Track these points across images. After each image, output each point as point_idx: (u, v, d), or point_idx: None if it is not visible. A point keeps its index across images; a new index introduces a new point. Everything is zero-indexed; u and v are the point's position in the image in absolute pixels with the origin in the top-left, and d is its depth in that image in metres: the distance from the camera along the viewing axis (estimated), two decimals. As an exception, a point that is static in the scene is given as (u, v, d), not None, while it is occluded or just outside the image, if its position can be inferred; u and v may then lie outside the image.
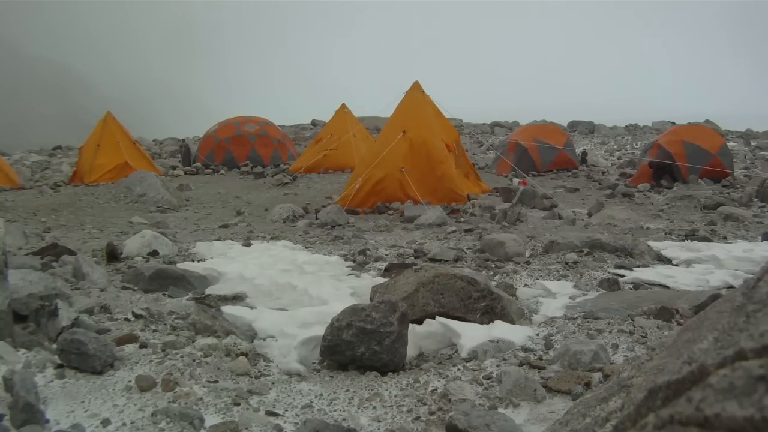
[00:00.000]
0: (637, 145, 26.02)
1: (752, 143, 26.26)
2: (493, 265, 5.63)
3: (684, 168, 15.07)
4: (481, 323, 3.56)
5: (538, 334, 3.47)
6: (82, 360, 2.66)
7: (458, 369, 2.99)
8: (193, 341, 3.23)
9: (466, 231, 7.74)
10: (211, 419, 2.33)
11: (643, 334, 3.37)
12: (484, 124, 36.46)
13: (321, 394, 2.70)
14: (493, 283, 4.55)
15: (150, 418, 2.26)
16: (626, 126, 35.39)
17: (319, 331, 3.21)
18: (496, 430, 2.10)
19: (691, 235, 7.40)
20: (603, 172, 18.28)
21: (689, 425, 0.88)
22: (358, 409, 2.57)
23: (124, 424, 2.23)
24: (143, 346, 3.11)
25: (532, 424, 2.36)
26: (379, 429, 2.38)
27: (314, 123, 36.74)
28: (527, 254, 6.11)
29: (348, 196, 10.35)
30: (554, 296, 4.51)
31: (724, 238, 7.44)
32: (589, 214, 9.79)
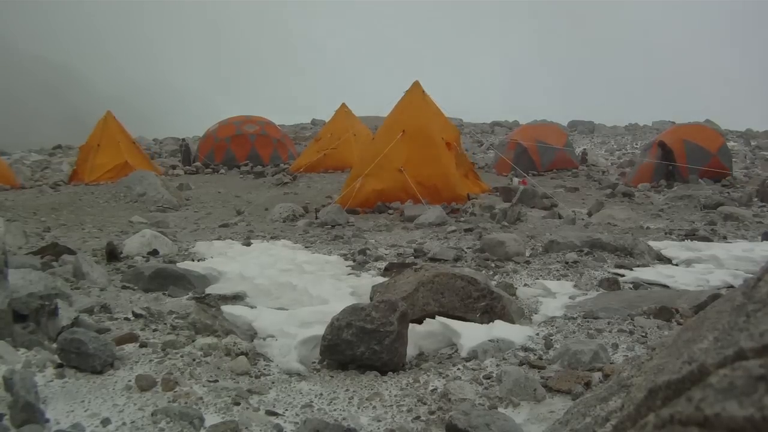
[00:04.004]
0: (637, 145, 26.05)
1: (752, 143, 26.28)
2: (493, 265, 5.63)
3: (684, 167, 15.10)
4: (481, 323, 3.56)
5: (538, 334, 3.47)
6: (82, 359, 2.66)
7: (458, 368, 2.99)
8: (193, 341, 3.23)
9: (466, 230, 7.74)
10: (211, 419, 2.33)
11: (643, 334, 3.37)
12: (484, 123, 36.48)
13: (321, 394, 2.70)
14: (493, 283, 4.55)
15: (150, 417, 2.26)
16: (626, 126, 35.42)
17: (319, 330, 3.21)
18: (496, 430, 2.10)
19: (691, 235, 7.41)
20: (603, 172, 18.29)
21: (689, 425, 0.88)
22: (358, 408, 2.57)
23: (124, 424, 2.23)
24: (143, 345, 3.11)
25: (532, 424, 2.36)
26: (379, 428, 2.38)
27: (314, 123, 36.78)
28: (527, 254, 6.11)
29: (348, 195, 10.35)
30: (554, 296, 4.51)
31: (724, 237, 7.44)
32: (589, 214, 9.79)
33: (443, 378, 2.87)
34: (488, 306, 3.69)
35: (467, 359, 3.11)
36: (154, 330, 3.52)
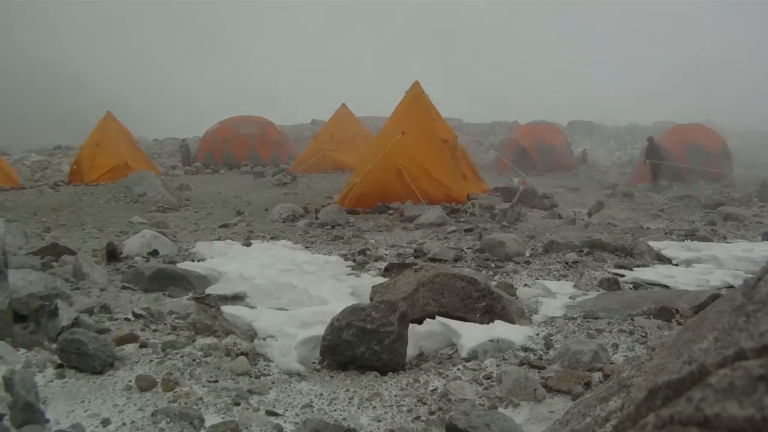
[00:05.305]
0: (637, 145, 26.08)
1: (752, 143, 26.30)
2: (493, 265, 5.63)
3: (684, 167, 15.11)
4: (481, 323, 3.56)
5: (538, 334, 3.47)
6: (82, 360, 2.66)
7: (458, 369, 2.99)
8: (193, 341, 3.23)
9: (466, 231, 7.74)
10: (211, 419, 2.33)
11: (643, 334, 3.37)
12: (484, 123, 36.49)
13: (321, 394, 2.70)
14: (493, 283, 4.55)
15: (150, 417, 2.26)
16: (626, 126, 35.44)
17: (319, 330, 3.21)
18: (496, 430, 2.10)
19: (691, 235, 7.41)
20: (603, 172, 18.31)
21: (689, 425, 0.88)
22: (358, 408, 2.57)
23: (124, 424, 2.23)
24: (143, 345, 3.11)
25: (532, 424, 2.36)
26: (379, 429, 2.38)
27: (314, 123, 36.80)
28: (527, 254, 6.11)
29: (347, 195, 10.34)
30: (554, 296, 4.51)
31: (724, 237, 7.45)
32: (589, 214, 9.79)
33: (443, 378, 2.87)
34: (488, 306, 3.69)
35: (467, 359, 3.11)
36: (154, 330, 3.52)
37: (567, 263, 5.62)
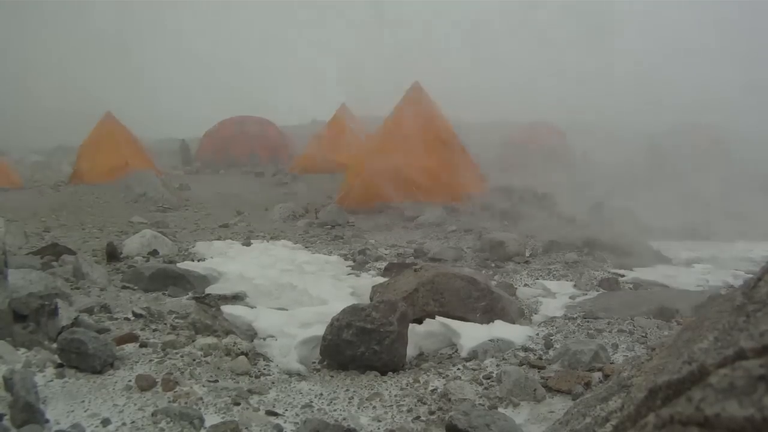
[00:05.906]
0: (636, 145, 26.04)
1: (750, 143, 26.27)
2: (493, 265, 5.63)
3: (672, 162, 15.15)
4: (481, 323, 3.56)
5: (538, 334, 3.47)
6: (82, 359, 2.66)
7: (458, 368, 2.99)
8: (193, 341, 3.23)
9: (466, 230, 7.74)
10: (211, 419, 2.33)
11: (643, 334, 3.37)
12: (483, 123, 36.47)
13: (321, 394, 2.70)
14: (493, 283, 4.55)
15: (150, 417, 2.26)
16: (625, 126, 35.38)
17: (319, 330, 3.21)
18: (496, 430, 2.10)
19: (691, 235, 7.42)
20: (603, 172, 18.30)
21: (689, 425, 0.88)
22: (358, 408, 2.57)
23: (124, 424, 2.23)
24: (143, 345, 3.11)
25: (532, 424, 2.36)
26: (379, 428, 2.38)
27: (314, 122, 36.79)
28: (527, 254, 6.11)
29: (347, 195, 10.34)
30: (554, 296, 4.51)
31: (724, 237, 7.45)
32: (589, 214, 9.79)
33: (443, 378, 2.87)
34: (488, 306, 3.69)
35: (467, 359, 3.11)
36: (154, 330, 3.52)
37: (567, 263, 5.63)
